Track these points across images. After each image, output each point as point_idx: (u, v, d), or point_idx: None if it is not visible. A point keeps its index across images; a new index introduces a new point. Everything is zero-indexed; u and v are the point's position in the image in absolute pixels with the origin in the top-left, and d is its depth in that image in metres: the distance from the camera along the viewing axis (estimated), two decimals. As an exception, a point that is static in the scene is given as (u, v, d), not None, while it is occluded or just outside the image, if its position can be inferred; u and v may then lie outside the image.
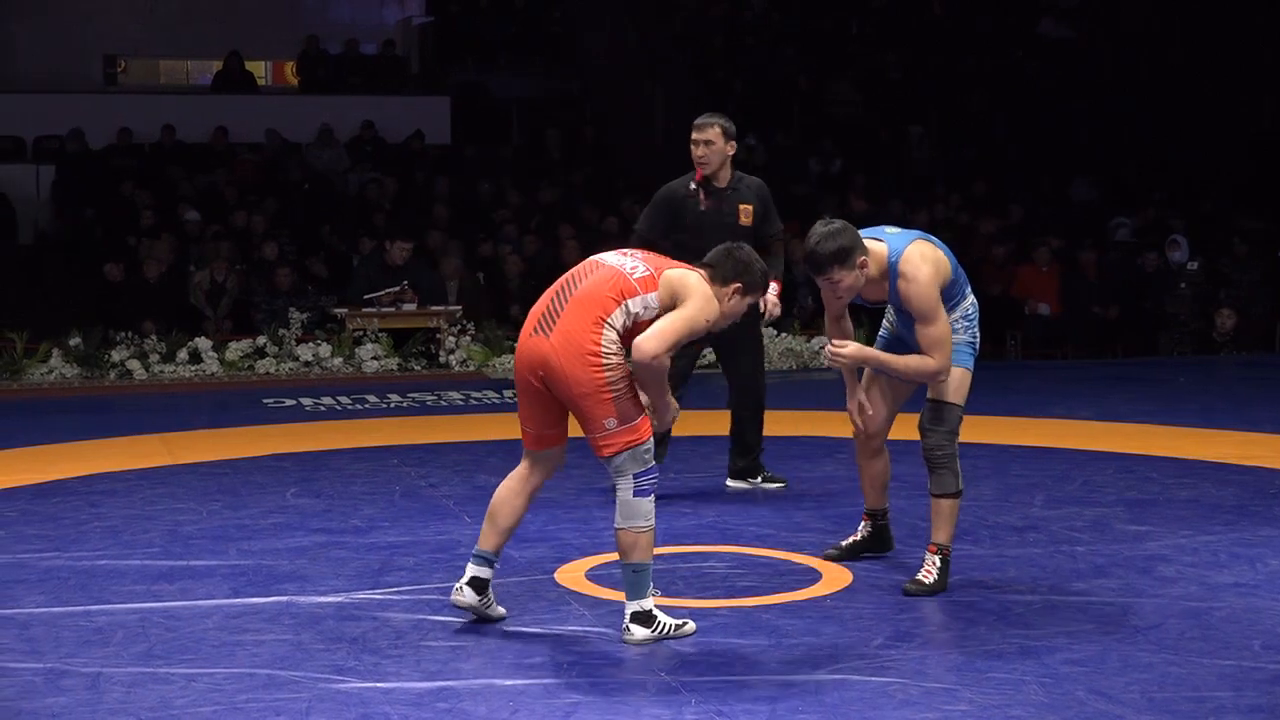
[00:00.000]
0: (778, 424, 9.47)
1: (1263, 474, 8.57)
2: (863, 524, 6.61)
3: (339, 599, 6.05)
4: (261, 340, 14.11)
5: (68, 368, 13.56)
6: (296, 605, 5.96)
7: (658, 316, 5.38)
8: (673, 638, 5.39)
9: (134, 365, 13.61)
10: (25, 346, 13.65)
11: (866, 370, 6.26)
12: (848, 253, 5.74)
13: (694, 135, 8.01)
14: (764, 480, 8.28)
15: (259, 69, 22.17)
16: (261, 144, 18.92)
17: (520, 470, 5.65)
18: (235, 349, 13.97)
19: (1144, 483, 8.33)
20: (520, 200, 17.75)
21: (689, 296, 5.38)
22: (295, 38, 21.19)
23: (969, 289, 6.21)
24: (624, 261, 5.48)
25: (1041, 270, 16.27)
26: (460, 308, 14.48)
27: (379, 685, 4.96)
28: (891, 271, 5.88)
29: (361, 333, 14.09)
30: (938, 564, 6.09)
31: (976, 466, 8.80)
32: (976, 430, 10.16)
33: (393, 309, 14.17)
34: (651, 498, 5.38)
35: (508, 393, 12.09)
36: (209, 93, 20.69)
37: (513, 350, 14.01)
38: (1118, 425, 10.48)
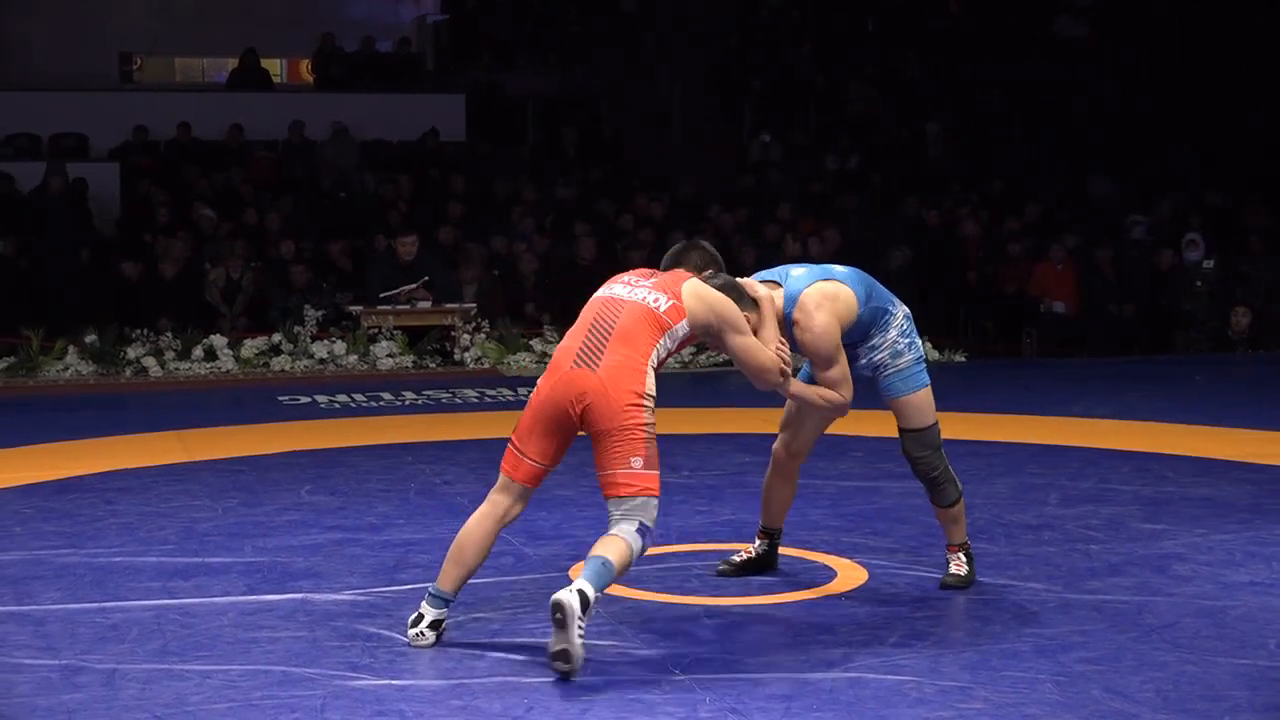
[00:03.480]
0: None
1: (1278, 472, 8.55)
2: (759, 541, 6.36)
3: (354, 596, 6.06)
4: (277, 338, 14.12)
5: (83, 365, 13.58)
6: (311, 602, 5.97)
7: (689, 335, 5.39)
8: (581, 639, 4.95)
9: (150, 362, 13.63)
10: (41, 343, 13.67)
11: None
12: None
13: None
14: None
15: (274, 66, 22.18)
16: (277, 141, 18.93)
17: (496, 508, 5.39)
18: (251, 346, 13.98)
19: (1159, 481, 8.31)
20: (536, 198, 17.75)
21: (735, 317, 5.49)
22: (311, 35, 21.18)
23: (895, 304, 6.11)
24: (645, 296, 5.38)
25: (1057, 268, 16.24)
26: (475, 305, 14.48)
27: (394, 682, 4.97)
28: (785, 319, 5.83)
29: (376, 330, 14.10)
30: (963, 559, 6.17)
31: (991, 465, 8.80)
32: (991, 428, 10.18)
33: (408, 306, 14.17)
34: (644, 549, 5.21)
35: (522, 390, 12.07)
36: (224, 90, 20.71)
37: (527, 348, 14.09)
38: (1133, 423, 10.46)
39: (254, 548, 6.93)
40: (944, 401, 11.06)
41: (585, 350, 5.27)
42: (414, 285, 14.14)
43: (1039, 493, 8.02)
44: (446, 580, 5.38)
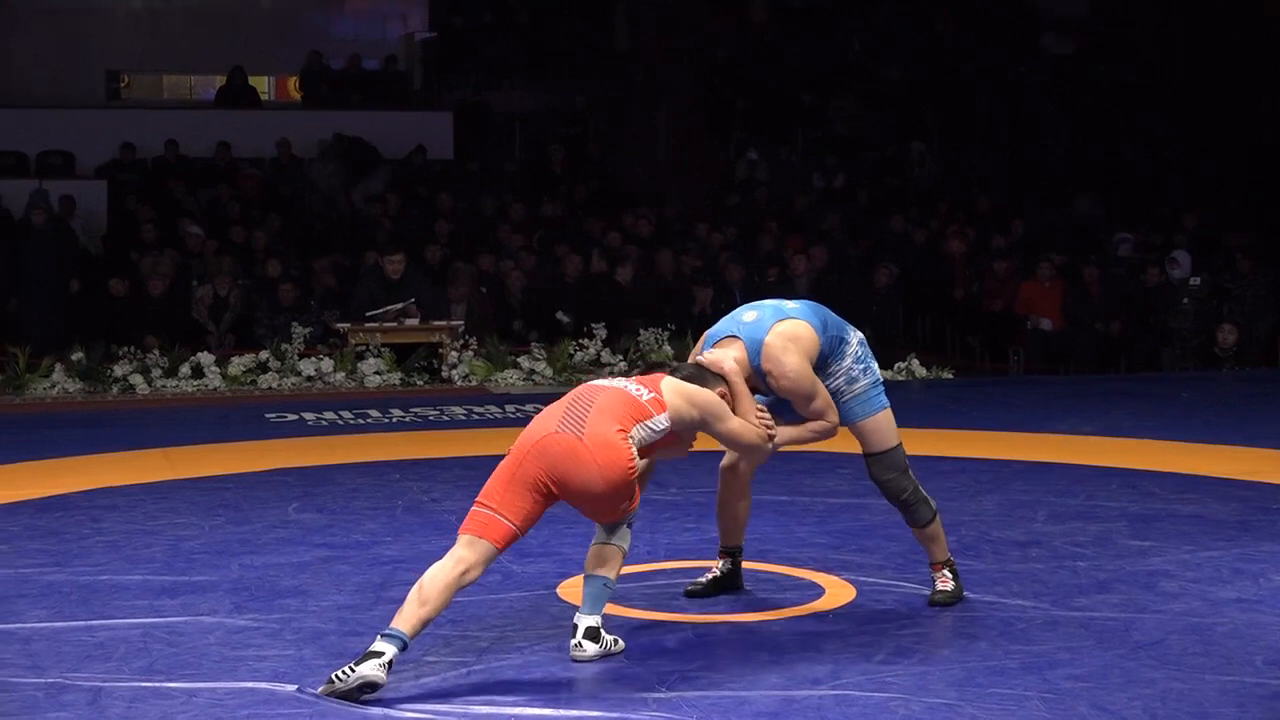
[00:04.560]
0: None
1: (1265, 489, 8.55)
2: (722, 560, 6.30)
3: (341, 614, 6.05)
4: (264, 355, 14.10)
5: (70, 382, 13.55)
6: (298, 620, 5.96)
7: (667, 431, 5.44)
8: (610, 655, 5.41)
9: (136, 380, 13.60)
10: (28, 361, 13.64)
11: None
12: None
13: None
14: None
15: (262, 84, 22.20)
16: (264, 159, 18.93)
17: (460, 563, 5.24)
18: (238, 364, 13.95)
19: (1146, 498, 8.31)
20: (523, 215, 17.75)
21: (718, 406, 5.56)
22: (298, 53, 21.20)
23: (849, 331, 6.05)
24: (626, 385, 5.49)
25: (1044, 285, 16.25)
26: (462, 323, 14.48)
27: (380, 700, 4.95)
28: (756, 371, 5.79)
29: (364, 347, 14.08)
30: (949, 575, 6.16)
31: (979, 481, 8.80)
32: (979, 445, 10.18)
33: (395, 324, 14.16)
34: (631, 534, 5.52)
35: (510, 407, 12.09)
36: (212, 108, 20.71)
37: (514, 365, 14.09)
38: (1120, 440, 10.47)
39: (241, 565, 6.91)
40: (931, 418, 11.10)
41: (568, 417, 5.33)
42: (401, 305, 14.13)
43: (1027, 509, 8.02)
44: (407, 621, 5.11)
